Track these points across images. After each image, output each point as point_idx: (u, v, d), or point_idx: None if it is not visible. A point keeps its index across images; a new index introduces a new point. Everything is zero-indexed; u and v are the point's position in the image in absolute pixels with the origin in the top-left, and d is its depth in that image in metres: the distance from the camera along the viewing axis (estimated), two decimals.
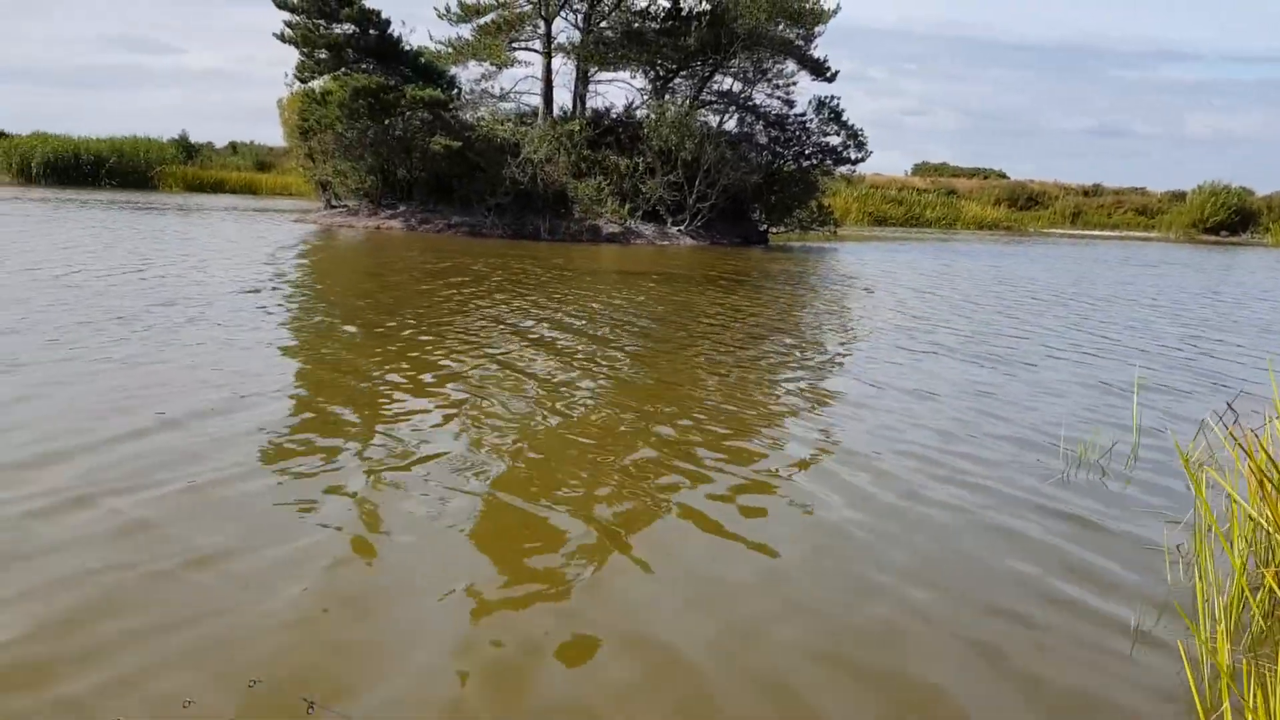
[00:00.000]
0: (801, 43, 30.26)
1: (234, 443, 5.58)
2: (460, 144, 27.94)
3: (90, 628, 3.44)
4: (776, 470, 5.70)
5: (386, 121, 28.08)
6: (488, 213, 28.89)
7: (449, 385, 7.64)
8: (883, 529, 4.82)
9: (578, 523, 4.66)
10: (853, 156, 31.51)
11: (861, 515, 5.00)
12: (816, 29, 30.16)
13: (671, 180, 29.50)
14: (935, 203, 58.62)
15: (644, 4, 30.52)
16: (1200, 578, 4.17)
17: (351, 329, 10.05)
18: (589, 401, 7.44)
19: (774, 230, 33.00)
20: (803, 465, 5.82)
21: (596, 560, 4.24)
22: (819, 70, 30.43)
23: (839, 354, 10.20)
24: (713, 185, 29.74)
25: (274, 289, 13.09)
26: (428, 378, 7.85)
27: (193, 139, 50.57)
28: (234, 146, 54.21)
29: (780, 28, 29.66)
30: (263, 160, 51.10)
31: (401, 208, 29.02)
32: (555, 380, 8.16)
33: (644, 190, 29.61)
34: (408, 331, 10.23)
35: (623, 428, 6.54)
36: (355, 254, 21.15)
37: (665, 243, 29.74)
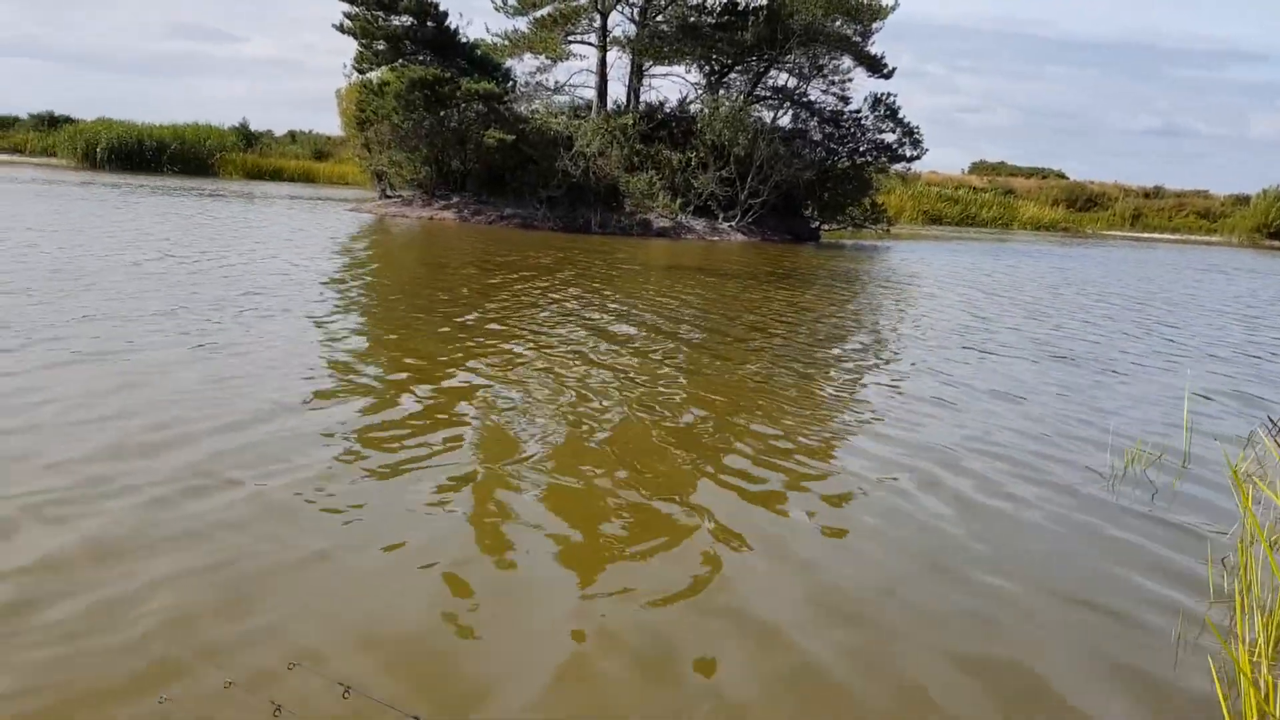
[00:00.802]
0: (858, 39, 30.10)
1: (341, 433, 5.81)
2: (514, 137, 28.21)
3: (245, 608, 3.67)
4: (868, 472, 5.81)
5: (442, 113, 28.40)
6: (539, 205, 29.13)
7: (539, 379, 7.84)
8: (979, 530, 4.93)
9: (693, 519, 4.83)
10: (908, 154, 31.27)
11: (959, 515, 5.11)
12: (874, 25, 30.00)
13: (724, 176, 29.48)
14: (991, 202, 57.84)
15: None
16: (1242, 589, 4.20)
17: (434, 320, 10.30)
18: (677, 399, 7.60)
19: (826, 227, 32.89)
20: (895, 466, 5.93)
21: (715, 558, 4.39)
22: (875, 66, 30.28)
23: (915, 355, 10.26)
24: (765, 181, 29.69)
25: (352, 280, 13.47)
26: (520, 372, 8.06)
27: (253, 127, 51.51)
28: (292, 135, 54.99)
29: (837, 24, 29.52)
30: (320, 149, 51.84)
31: (455, 199, 29.38)
32: (642, 378, 8.34)
33: (696, 185, 29.65)
34: (491, 325, 10.49)
35: (712, 426, 6.70)
36: (416, 245, 21.51)
37: (715, 238, 29.79)
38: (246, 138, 49.64)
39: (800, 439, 6.46)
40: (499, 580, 4.01)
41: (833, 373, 9.20)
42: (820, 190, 31.02)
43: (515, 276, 15.79)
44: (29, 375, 6.57)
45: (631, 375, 8.45)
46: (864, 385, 8.57)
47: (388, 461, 5.33)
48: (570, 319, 11.57)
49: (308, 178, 47.95)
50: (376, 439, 5.73)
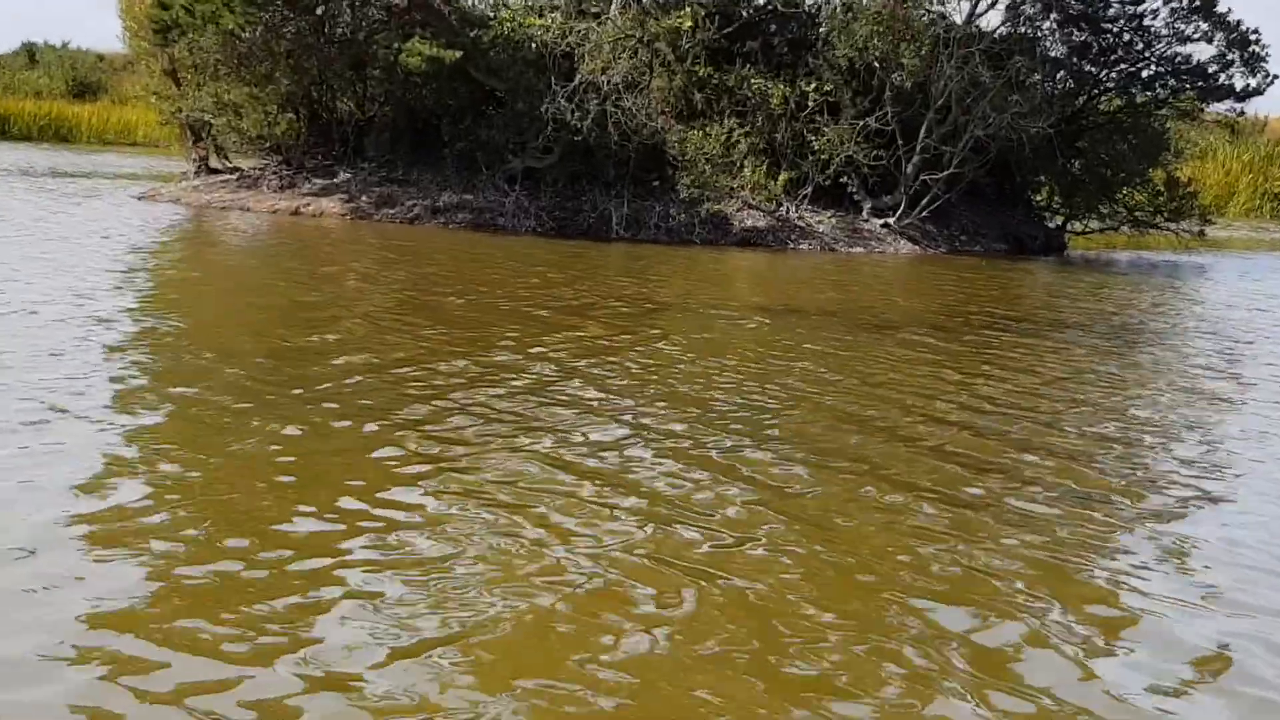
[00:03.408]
0: None
1: None
2: (459, 53, 15.94)
3: None
4: None
5: (320, 10, 16.65)
6: (510, 187, 16.65)
7: None
8: None
9: None
10: (1238, 84, 18.37)
11: None
12: None
13: (872, 128, 16.87)
14: None
15: None
16: None
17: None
18: None
19: (1075, 228, 19.83)
20: None
21: None
22: None
23: None
24: (953, 138, 17.04)
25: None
26: None
27: None
28: (30, 53, 38.51)
29: None
30: (84, 80, 36.26)
31: (343, 174, 17.10)
32: None
33: (818, 148, 17.01)
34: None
35: None
36: (263, 280, 11.04)
37: (858, 249, 17.07)
38: None
39: None
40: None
41: None
42: (1064, 154, 17.93)
43: (466, 364, 6.93)
44: None
45: None
46: None
47: None
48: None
49: (59, 133, 32.56)
50: None
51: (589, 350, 7.65)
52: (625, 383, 6.71)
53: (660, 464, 4.95)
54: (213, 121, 17.22)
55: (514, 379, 6.49)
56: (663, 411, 5.96)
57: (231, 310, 8.98)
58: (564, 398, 6.11)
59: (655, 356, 7.58)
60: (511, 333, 8.03)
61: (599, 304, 9.99)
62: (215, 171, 18.04)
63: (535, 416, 5.65)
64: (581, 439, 5.32)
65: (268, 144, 17.77)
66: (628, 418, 5.79)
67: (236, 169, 18.27)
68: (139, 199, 17.01)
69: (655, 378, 6.88)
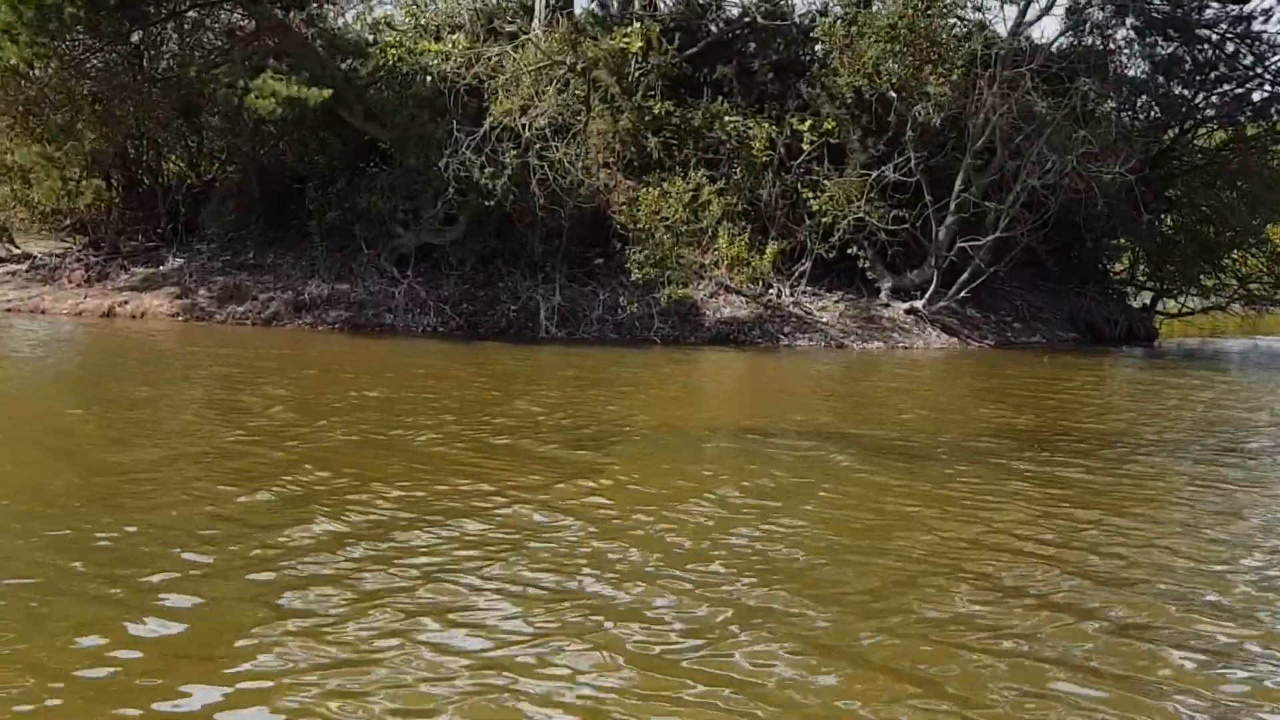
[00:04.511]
0: None
1: None
2: (329, 92, 12.69)
3: None
4: None
5: (136, 36, 14.04)
6: (401, 273, 13.18)
7: None
8: None
9: None
10: None
11: None
12: None
13: (891, 178, 13.98)
14: None
15: None
16: None
17: None
18: None
19: (1168, 306, 16.74)
20: None
21: None
22: None
23: None
24: (1000, 191, 14.16)
25: None
26: None
27: None
28: None
29: None
30: None
31: (173, 261, 13.92)
32: None
33: (816, 208, 14.04)
34: None
35: None
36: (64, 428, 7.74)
37: (876, 343, 14.05)
38: None
39: None
40: None
41: None
42: (1150, 210, 14.90)
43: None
44: None
45: None
46: None
47: None
48: None
49: None
50: None
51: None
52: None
53: None
54: None
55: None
56: None
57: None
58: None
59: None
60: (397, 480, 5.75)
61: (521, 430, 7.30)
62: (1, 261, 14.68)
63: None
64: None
65: (69, 221, 15.39)
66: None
67: (27, 256, 15.25)
68: None
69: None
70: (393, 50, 14.08)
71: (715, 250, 14.15)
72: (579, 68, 14.05)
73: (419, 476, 6.02)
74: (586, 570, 4.48)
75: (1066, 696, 3.66)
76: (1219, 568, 5.21)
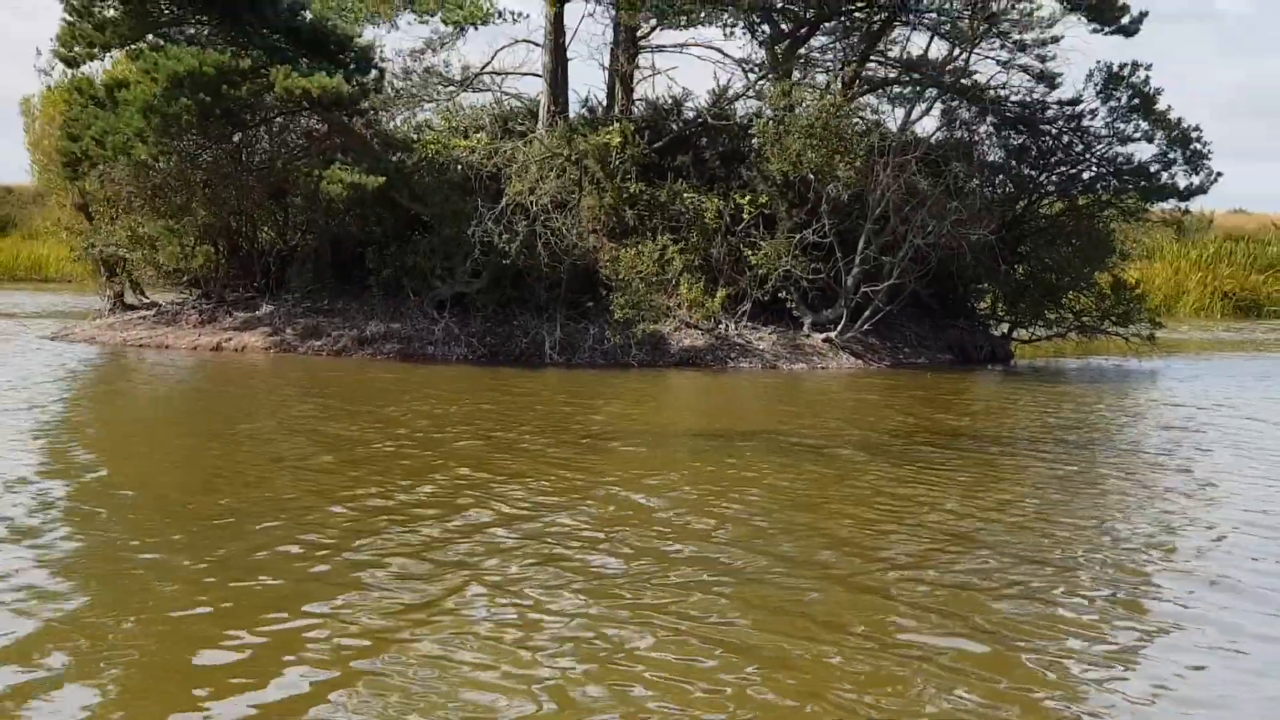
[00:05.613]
0: None
1: None
2: (382, 179, 16.14)
3: None
4: None
5: (237, 138, 16.96)
6: (439, 314, 16.90)
7: None
8: None
9: None
10: (1180, 182, 18.82)
11: None
12: None
13: (810, 239, 17.22)
14: None
15: None
16: None
17: None
18: None
19: (1022, 335, 20.19)
20: None
21: None
22: (1102, 11, 17.80)
23: None
24: (893, 248, 17.37)
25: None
26: None
27: None
28: None
29: None
30: None
31: (266, 307, 17.28)
32: None
33: (753, 262, 17.33)
34: None
35: None
36: (189, 423, 11.50)
37: (800, 365, 17.26)
38: None
39: None
40: None
41: None
42: (1006, 262, 18.38)
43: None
44: None
45: None
46: None
47: None
48: None
49: None
50: None
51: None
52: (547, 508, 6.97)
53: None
54: (127, 256, 17.43)
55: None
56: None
57: (151, 473, 8.70)
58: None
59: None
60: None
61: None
62: (131, 308, 18.21)
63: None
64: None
65: (185, 277, 17.95)
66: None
67: (154, 304, 18.46)
68: (53, 339, 17.16)
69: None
70: (431, 146, 17.46)
71: (678, 295, 17.13)
72: (573, 158, 17.38)
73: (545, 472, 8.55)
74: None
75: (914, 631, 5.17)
76: (1041, 524, 7.33)
